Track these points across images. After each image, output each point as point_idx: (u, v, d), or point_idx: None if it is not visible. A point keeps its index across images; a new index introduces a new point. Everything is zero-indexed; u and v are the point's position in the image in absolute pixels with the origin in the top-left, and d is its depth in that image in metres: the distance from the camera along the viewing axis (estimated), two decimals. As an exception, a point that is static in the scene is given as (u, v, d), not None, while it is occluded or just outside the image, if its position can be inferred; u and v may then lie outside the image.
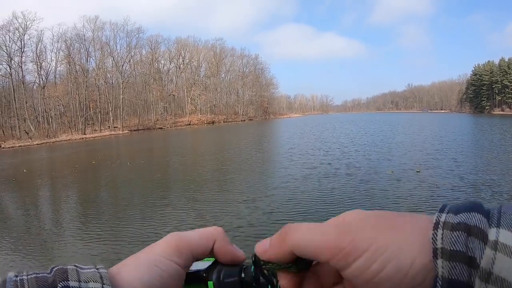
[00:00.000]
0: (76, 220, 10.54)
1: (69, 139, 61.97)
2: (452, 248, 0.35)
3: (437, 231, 0.36)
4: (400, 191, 11.34)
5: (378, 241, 0.38)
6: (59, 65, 78.21)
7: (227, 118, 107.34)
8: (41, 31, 71.40)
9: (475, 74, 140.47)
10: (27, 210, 12.94)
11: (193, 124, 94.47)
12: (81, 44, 79.54)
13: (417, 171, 14.56)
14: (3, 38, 66.19)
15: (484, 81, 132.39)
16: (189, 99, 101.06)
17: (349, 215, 0.43)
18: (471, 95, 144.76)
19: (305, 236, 0.42)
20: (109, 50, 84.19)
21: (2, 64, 67.13)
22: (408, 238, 0.38)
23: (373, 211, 0.43)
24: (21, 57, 68.86)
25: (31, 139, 60.20)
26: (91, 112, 77.16)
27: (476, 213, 0.36)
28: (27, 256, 7.83)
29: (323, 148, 24.80)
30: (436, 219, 0.37)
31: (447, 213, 0.38)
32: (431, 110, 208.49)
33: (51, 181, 18.08)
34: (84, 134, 69.46)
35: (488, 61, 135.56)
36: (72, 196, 14.41)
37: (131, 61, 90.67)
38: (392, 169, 15.26)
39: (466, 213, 0.36)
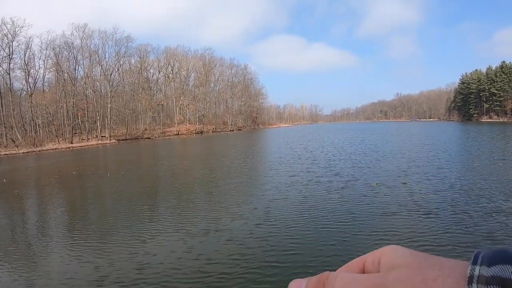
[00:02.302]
0: (41, 232, 10.24)
1: (55, 148, 61.16)
2: None
3: (472, 285, 0.36)
4: (383, 204, 11.06)
5: None
6: (47, 73, 77.67)
7: (216, 128, 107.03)
8: (30, 38, 70.80)
9: (463, 83, 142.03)
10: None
11: (181, 134, 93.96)
12: (70, 52, 79.05)
13: (403, 183, 14.01)
14: (-9, 44, 65.60)
15: (472, 89, 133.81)
16: (177, 108, 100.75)
17: (386, 259, 0.44)
18: (459, 103, 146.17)
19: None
20: (97, 59, 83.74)
21: (-10, 71, 66.46)
22: None
23: (409, 254, 0.43)
24: (9, 63, 68.14)
25: (17, 147, 59.36)
26: (79, 121, 76.49)
27: (509, 265, 0.35)
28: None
29: (310, 158, 24.75)
30: (470, 273, 0.37)
31: (480, 265, 0.37)
32: (419, 118, 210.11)
33: (27, 192, 17.76)
34: (71, 143, 68.68)
35: (476, 70, 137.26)
36: (43, 208, 14.14)
37: (120, 69, 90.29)
38: (377, 181, 14.83)
39: (500, 266, 0.36)
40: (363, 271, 0.47)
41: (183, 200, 13.21)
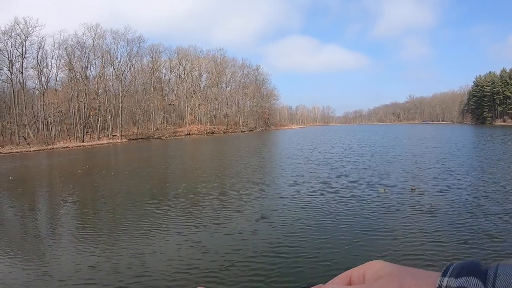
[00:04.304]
0: (38, 228, 10.25)
1: (66, 147, 61.65)
2: None
3: None
4: (390, 212, 10.60)
5: None
6: (59, 72, 78.46)
7: (227, 129, 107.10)
8: (43, 37, 71.79)
9: (477, 85, 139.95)
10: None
11: (192, 134, 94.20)
12: (82, 52, 79.71)
13: (412, 189, 13.39)
14: (5, 44, 66.56)
15: (486, 92, 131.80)
16: (189, 109, 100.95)
17: (370, 272, 0.50)
18: (473, 106, 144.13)
19: None
20: (109, 58, 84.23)
21: (3, 70, 67.57)
22: None
23: (391, 266, 0.49)
24: (22, 63, 69.08)
25: (29, 145, 59.93)
26: (91, 120, 76.98)
27: (473, 277, 0.40)
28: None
29: (319, 159, 24.57)
30: (439, 283, 0.42)
31: (449, 277, 0.42)
32: (432, 121, 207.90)
33: (30, 190, 17.74)
34: (83, 141, 69.18)
35: (490, 72, 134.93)
36: (43, 205, 14.26)
37: (132, 69, 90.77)
38: (385, 185, 14.30)
39: (465, 277, 0.41)
40: (349, 285, 0.52)
41: (189, 198, 13.22)
